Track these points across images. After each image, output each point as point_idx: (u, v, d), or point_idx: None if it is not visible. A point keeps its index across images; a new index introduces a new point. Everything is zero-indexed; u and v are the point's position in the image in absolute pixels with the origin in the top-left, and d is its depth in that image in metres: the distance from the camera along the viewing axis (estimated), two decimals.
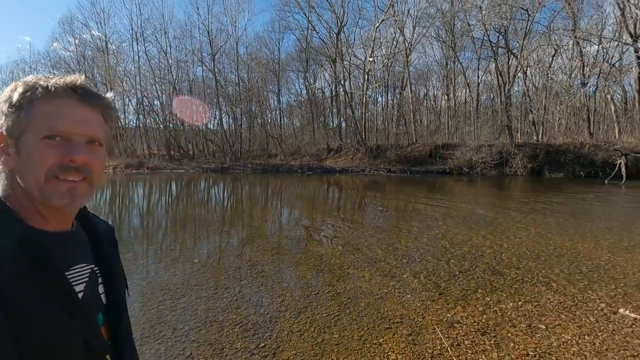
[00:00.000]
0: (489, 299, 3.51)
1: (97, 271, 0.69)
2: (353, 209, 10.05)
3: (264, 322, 3.07)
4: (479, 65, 28.88)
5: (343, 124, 30.58)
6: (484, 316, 3.15)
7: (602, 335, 2.80)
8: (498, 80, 24.69)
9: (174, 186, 17.10)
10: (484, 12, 23.49)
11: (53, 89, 0.59)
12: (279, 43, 32.64)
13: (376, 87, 30.49)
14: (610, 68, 23.53)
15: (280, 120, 35.08)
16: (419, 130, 29.76)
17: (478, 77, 29.65)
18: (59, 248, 0.62)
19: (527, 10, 22.40)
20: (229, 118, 33.15)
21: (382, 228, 7.10)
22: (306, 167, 23.84)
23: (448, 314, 3.19)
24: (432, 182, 16.82)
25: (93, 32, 39.22)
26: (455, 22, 26.50)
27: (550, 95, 24.69)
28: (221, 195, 14.51)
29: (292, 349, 2.65)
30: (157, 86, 31.36)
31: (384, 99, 33.67)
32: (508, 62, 23.88)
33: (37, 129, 0.58)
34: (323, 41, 28.88)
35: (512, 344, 2.69)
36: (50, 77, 0.61)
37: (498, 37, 24.23)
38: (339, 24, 27.19)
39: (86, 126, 0.61)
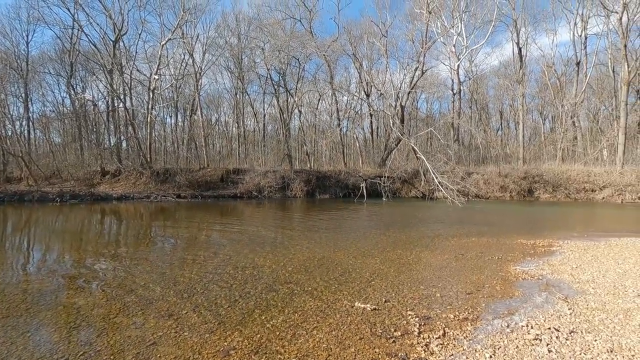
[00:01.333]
0: (264, 317, 3.80)
1: None
2: (134, 243, 8.78)
3: None
4: (264, 98, 32.21)
5: (123, 144, 26.75)
6: (258, 335, 3.37)
7: (343, 327, 3.55)
8: (280, 114, 28.22)
9: None
10: (266, 54, 26.56)
11: None
12: (27, 36, 25.51)
13: (164, 106, 28.60)
14: (355, 114, 31.42)
15: (29, 134, 27.04)
16: (211, 154, 29.83)
17: (264, 109, 32.95)
18: None
19: (298, 59, 26.93)
20: None
21: (163, 261, 6.52)
22: (70, 194, 19.18)
23: (225, 343, 3.23)
24: (224, 207, 17.05)
25: None
26: (243, 57, 28.65)
27: (318, 131, 30.36)
28: None
29: None
30: None
31: (173, 120, 31.99)
32: (287, 99, 27.79)
33: None
34: (95, 47, 24.66)
35: (279, 356, 3.00)
36: None
37: (279, 77, 27.91)
38: (116, 32, 24.01)
39: None
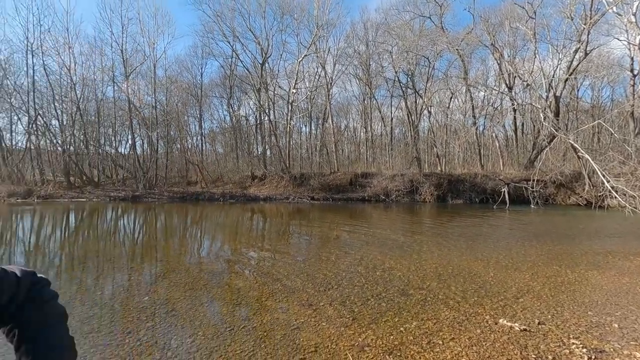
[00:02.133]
0: (396, 320, 3.78)
1: None
2: (276, 238, 10.00)
3: None
4: (391, 102, 32.01)
5: (268, 152, 30.71)
6: (391, 337, 3.38)
7: (485, 344, 3.22)
8: (408, 116, 27.57)
9: (72, 217, 15.02)
10: (394, 57, 26.40)
11: None
12: (201, 68, 32.19)
13: (300, 117, 31.57)
14: (494, 111, 28.09)
15: (202, 146, 33.82)
16: (340, 159, 31.36)
17: (391, 112, 32.75)
18: None
19: (428, 58, 25.79)
20: (143, 142, 30.80)
21: (303, 257, 7.19)
22: (229, 195, 23.12)
23: (359, 338, 3.35)
24: (353, 209, 17.68)
25: None
26: (370, 63, 29.21)
27: (450, 132, 28.33)
28: (131, 226, 13.17)
29: None
30: (57, 104, 27.90)
31: (307, 129, 34.95)
32: (415, 101, 26.96)
33: None
34: (248, 70, 29.20)
35: None
36: None
37: (407, 78, 27.34)
38: (263, 55, 27.89)
39: None
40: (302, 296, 4.56)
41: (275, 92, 29.69)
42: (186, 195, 23.37)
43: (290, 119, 28.12)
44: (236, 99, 32.93)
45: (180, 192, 24.03)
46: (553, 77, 22.94)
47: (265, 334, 3.46)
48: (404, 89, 27.04)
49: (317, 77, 30.33)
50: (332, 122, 29.83)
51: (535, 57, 24.01)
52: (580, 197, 18.96)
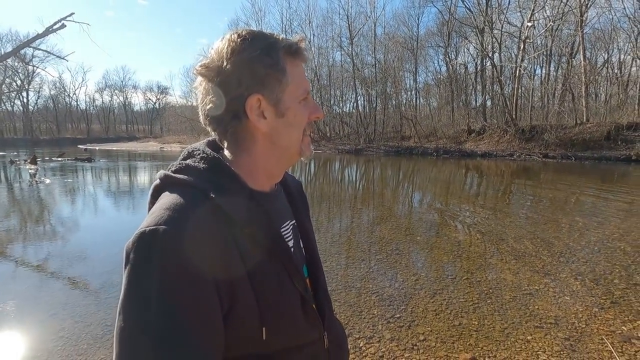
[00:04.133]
0: None
1: (296, 226, 0.73)
2: (497, 197, 9.04)
3: (398, 296, 3.20)
4: None
5: (488, 103, 27.28)
6: None
7: None
8: None
9: (312, 165, 18.73)
10: None
11: (295, 50, 0.61)
12: (418, 19, 30.97)
13: (534, 57, 25.86)
14: None
15: (416, 100, 33.70)
16: (593, 106, 23.97)
17: None
18: (273, 208, 0.66)
19: None
20: (364, 100, 33.78)
21: (533, 220, 6.20)
22: (442, 149, 22.43)
23: (623, 327, 2.65)
24: (608, 171, 13.51)
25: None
26: None
27: None
28: (354, 175, 15.14)
29: (427, 325, 2.70)
30: None
31: (544, 71, 28.37)
32: None
33: (297, 93, 0.61)
34: (470, 10, 25.94)
35: None
36: (272, 36, 0.60)
37: None
38: None
39: (309, 84, 0.66)
40: (534, 262, 4.00)
41: (503, 31, 25.22)
42: (400, 149, 24.40)
43: (522, 60, 23.47)
44: (453, 47, 30.41)
45: (395, 147, 25.33)
46: None
47: (490, 290, 3.30)
48: None
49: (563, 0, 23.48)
50: (584, 56, 22.81)
51: None
52: None
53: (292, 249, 0.66)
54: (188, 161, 0.61)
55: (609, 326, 2.67)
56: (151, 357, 0.46)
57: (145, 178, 12.99)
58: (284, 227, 0.68)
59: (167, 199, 0.54)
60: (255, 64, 0.57)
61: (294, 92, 0.61)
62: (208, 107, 0.59)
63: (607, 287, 3.35)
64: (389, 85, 31.29)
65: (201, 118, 0.63)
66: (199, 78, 0.60)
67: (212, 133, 0.64)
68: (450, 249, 4.53)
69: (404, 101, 33.93)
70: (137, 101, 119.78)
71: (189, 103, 50.37)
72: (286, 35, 0.63)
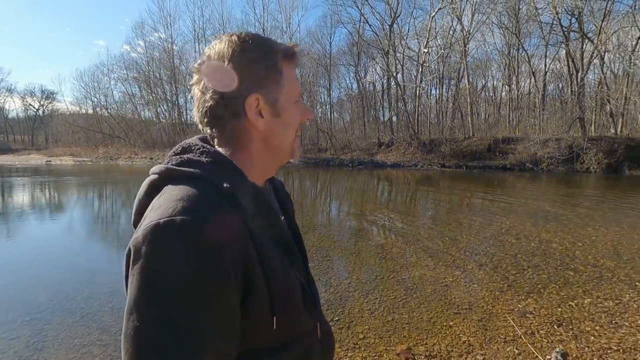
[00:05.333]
0: (563, 294, 3.40)
1: (285, 220, 0.75)
2: (406, 202, 9.97)
3: (335, 300, 3.29)
4: (546, 52, 26.64)
5: (394, 118, 30.05)
6: (559, 309, 3.07)
7: None
8: (569, 68, 22.68)
9: None
10: None
11: (292, 55, 0.64)
12: (330, 37, 32.77)
13: (430, 79, 29.48)
14: None
15: (331, 114, 35.39)
16: (476, 123, 28.30)
17: (545, 65, 27.41)
18: (271, 202, 0.69)
19: None
20: None
21: (440, 221, 7.01)
22: (357, 161, 23.87)
23: (519, 305, 3.16)
24: (491, 178, 16.01)
25: (160, 34, 42.60)
26: (521, 7, 24.64)
27: (633, 83, 22.10)
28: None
29: (364, 324, 2.83)
30: None
31: (438, 91, 32.47)
32: (582, 47, 21.78)
33: (292, 94, 0.64)
34: (376, 34, 28.48)
35: (592, 337, 2.62)
36: (269, 40, 0.63)
37: (570, 20, 22.21)
38: (392, 16, 26.65)
39: (301, 87, 0.70)
40: (446, 258, 4.51)
41: (404, 54, 28.25)
42: (318, 160, 25.18)
43: (420, 81, 26.55)
44: (363, 66, 32.84)
45: (313, 158, 26.05)
46: None
47: (415, 286, 3.61)
48: (566, 33, 22.10)
49: (451, 32, 27.43)
50: (468, 81, 26.87)
51: None
52: None
53: None
54: (188, 155, 0.59)
55: (509, 305, 3.16)
56: (179, 351, 0.44)
57: (26, 197, 10.96)
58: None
59: (176, 191, 0.52)
60: (255, 65, 0.59)
61: (289, 94, 0.64)
62: (208, 104, 0.59)
63: (503, 274, 3.95)
64: (305, 99, 32.24)
65: (196, 116, 0.63)
66: (195, 77, 0.61)
67: (207, 131, 0.64)
68: (374, 252, 4.83)
69: (320, 115, 35.30)
70: (14, 107, 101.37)
71: (84, 110, 44.26)
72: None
